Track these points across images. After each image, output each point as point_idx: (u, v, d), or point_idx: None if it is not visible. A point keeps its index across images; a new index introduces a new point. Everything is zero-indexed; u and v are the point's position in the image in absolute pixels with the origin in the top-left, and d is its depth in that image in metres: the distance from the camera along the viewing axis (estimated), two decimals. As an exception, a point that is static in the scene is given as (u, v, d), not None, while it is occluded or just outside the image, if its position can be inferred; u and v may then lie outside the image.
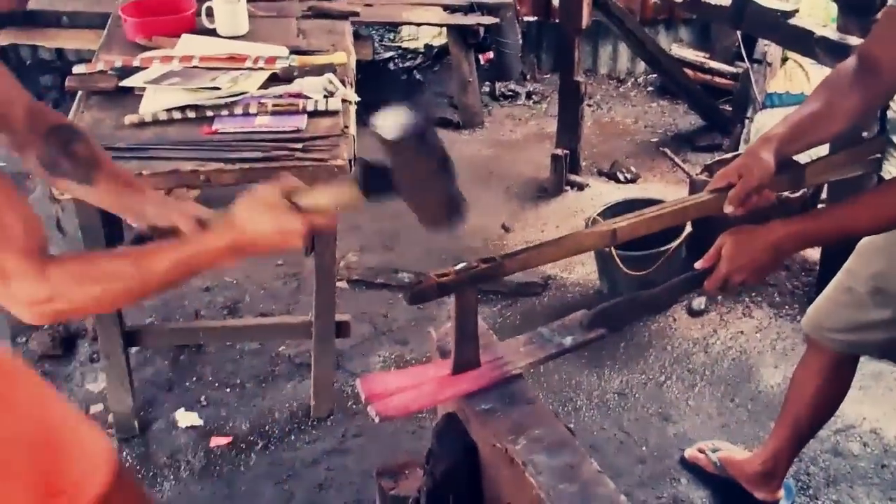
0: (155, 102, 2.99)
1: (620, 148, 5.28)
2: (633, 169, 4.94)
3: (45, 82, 5.78)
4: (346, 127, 2.95)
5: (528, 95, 5.85)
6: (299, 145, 2.83)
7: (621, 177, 4.87)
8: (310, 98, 3.00)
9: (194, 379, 3.60)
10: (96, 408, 3.45)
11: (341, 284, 4.03)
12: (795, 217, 2.09)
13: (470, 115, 5.48)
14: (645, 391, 3.49)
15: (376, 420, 1.83)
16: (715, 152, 5.07)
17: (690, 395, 3.47)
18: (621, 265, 3.65)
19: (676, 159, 4.24)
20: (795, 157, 2.17)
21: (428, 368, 1.96)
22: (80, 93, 3.12)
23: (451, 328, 2.00)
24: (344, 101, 3.04)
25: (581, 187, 4.73)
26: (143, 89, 3.05)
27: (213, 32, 3.49)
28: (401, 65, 6.30)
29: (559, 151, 4.65)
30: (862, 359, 2.71)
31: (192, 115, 2.96)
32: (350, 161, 2.83)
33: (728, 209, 2.04)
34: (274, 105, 2.97)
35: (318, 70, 3.15)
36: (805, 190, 3.82)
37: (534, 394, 1.83)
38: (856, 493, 3.04)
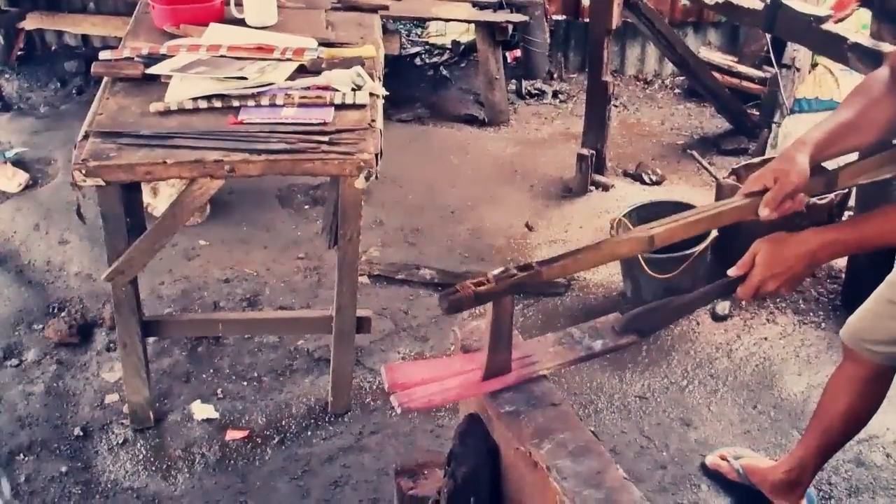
0: (181, 91, 2.97)
1: (646, 149, 5.23)
2: (658, 171, 4.89)
3: (70, 68, 5.78)
4: (374, 121, 2.92)
5: (555, 94, 5.81)
6: (326, 138, 2.80)
7: (646, 178, 4.82)
8: (337, 91, 2.98)
9: (211, 371, 3.58)
10: (112, 397, 3.44)
11: (362, 279, 4.00)
12: (830, 226, 2.06)
13: (496, 113, 5.44)
14: (667, 395, 3.44)
15: (398, 411, 1.80)
16: (741, 156, 5.01)
17: (712, 400, 3.42)
18: (646, 268, 3.60)
19: (703, 162, 4.19)
20: (823, 164, 2.14)
21: (454, 361, 1.92)
22: (105, 79, 3.10)
23: (475, 327, 1.97)
24: (372, 94, 3.02)
25: (606, 188, 4.69)
26: (170, 77, 3.03)
27: (241, 22, 3.47)
28: (427, 60, 6.26)
29: (585, 151, 4.61)
30: None
31: (218, 104, 2.94)
32: (377, 155, 2.80)
33: (764, 213, 2.00)
34: (301, 97, 2.94)
35: (347, 63, 3.12)
36: (832, 197, 3.77)
37: (559, 397, 1.79)
38: (878, 503, 2.99)
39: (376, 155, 2.79)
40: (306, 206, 4.64)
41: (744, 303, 3.85)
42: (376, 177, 2.82)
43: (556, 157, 5.06)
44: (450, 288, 1.74)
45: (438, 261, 4.18)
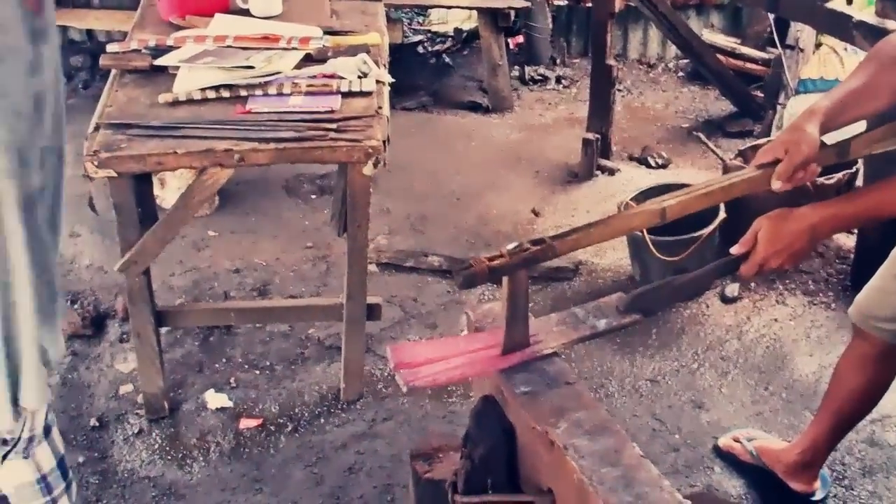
0: (189, 81, 2.97)
1: (651, 133, 5.23)
2: (664, 154, 4.89)
3: (76, 63, 5.78)
4: (380, 108, 2.92)
5: (558, 80, 5.81)
6: (333, 126, 2.81)
7: (652, 162, 4.83)
8: (343, 79, 2.98)
9: (224, 360, 3.60)
10: (126, 388, 3.45)
11: (370, 267, 4.01)
12: (829, 200, 2.06)
13: (499, 99, 5.45)
14: (677, 378, 3.46)
15: (404, 389, 1.81)
16: (746, 139, 5.01)
17: (724, 382, 3.43)
18: (654, 250, 3.61)
19: (710, 144, 4.19)
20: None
21: (459, 341, 1.93)
22: (113, 71, 3.11)
23: (489, 309, 1.99)
24: (378, 81, 3.02)
25: (612, 172, 4.69)
26: (177, 68, 3.03)
27: (246, 13, 3.47)
28: (430, 48, 6.26)
29: (590, 136, 4.61)
30: None
31: (226, 94, 2.94)
32: (384, 142, 2.81)
33: (776, 185, 2.01)
34: (308, 85, 2.95)
35: (352, 51, 3.12)
36: (840, 176, 3.77)
37: (573, 376, 1.81)
38: (892, 483, 3.00)
39: (384, 141, 2.80)
40: (313, 196, 4.65)
41: (752, 284, 3.86)
42: (384, 164, 2.83)
43: (560, 143, 5.06)
44: (464, 263, 1.75)
45: (446, 248, 4.19)
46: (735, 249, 2.05)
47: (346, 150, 2.77)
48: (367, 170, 2.82)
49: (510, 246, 1.78)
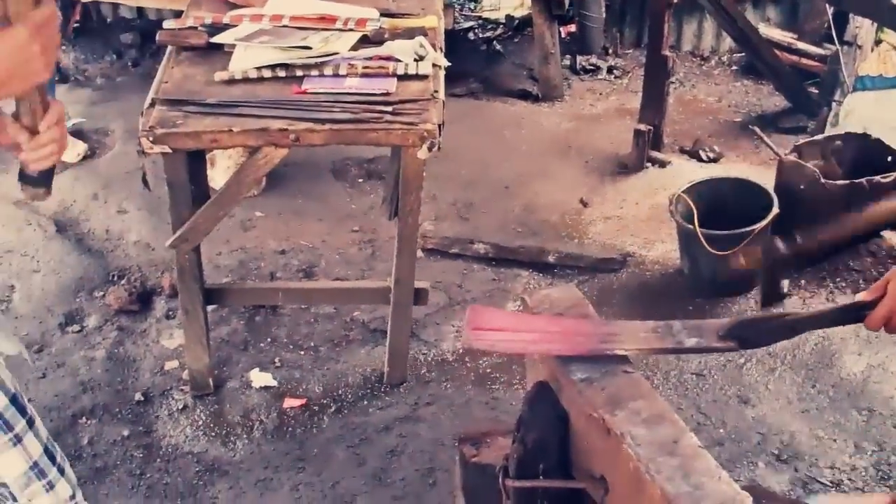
0: (245, 60, 2.98)
1: (703, 126, 5.17)
2: (715, 148, 4.83)
3: (126, 40, 5.81)
4: (436, 91, 2.91)
5: (610, 70, 5.75)
6: (389, 108, 2.80)
7: (704, 156, 4.77)
8: (400, 61, 2.97)
9: (269, 340, 3.61)
10: (171, 364, 3.48)
11: (417, 256, 4.01)
12: None
13: (550, 88, 5.41)
14: (723, 373, 3.42)
15: (462, 346, 1.80)
16: (800, 135, 4.92)
17: (770, 378, 3.39)
18: (705, 244, 3.57)
19: (765, 138, 4.12)
20: None
21: (540, 320, 1.89)
22: (169, 48, 3.12)
23: (545, 295, 1.95)
24: (434, 65, 3.00)
25: (663, 164, 4.64)
26: (234, 46, 3.04)
27: (302, -7, 3.47)
28: (481, 35, 6.23)
29: (642, 127, 4.56)
30: None
31: (281, 73, 2.95)
32: (439, 126, 2.79)
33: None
34: (364, 67, 2.94)
35: (408, 33, 3.11)
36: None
37: (632, 367, 1.78)
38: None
39: (439, 125, 2.79)
40: (360, 180, 4.65)
41: (803, 281, 3.80)
42: (439, 147, 2.82)
43: (610, 133, 5.02)
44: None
45: (492, 235, 4.17)
46: (862, 296, 1.82)
47: (400, 133, 2.76)
48: (422, 154, 2.81)
49: None
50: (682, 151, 4.87)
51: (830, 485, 2.96)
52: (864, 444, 3.12)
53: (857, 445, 3.11)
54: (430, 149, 2.78)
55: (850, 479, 2.99)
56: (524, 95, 5.46)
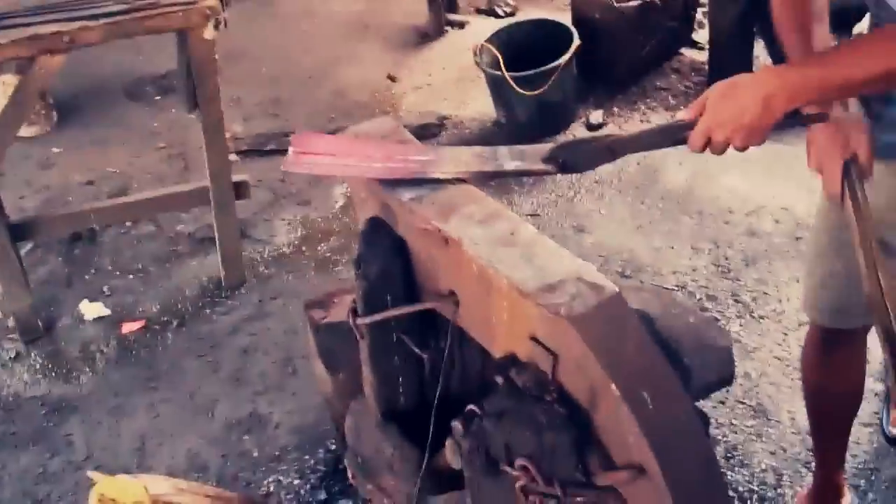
0: (-4, -29, 2.75)
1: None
2: (510, 2, 4.82)
3: None
4: (211, -33, 2.75)
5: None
6: (164, -8, 2.64)
7: (500, 11, 4.76)
8: (165, -57, 2.79)
9: (93, 271, 3.44)
10: (-8, 317, 3.28)
11: (231, 157, 3.85)
12: (795, 61, 1.68)
13: (334, -27, 5.26)
14: (557, 209, 3.46)
15: (282, 169, 1.74)
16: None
17: (601, 205, 3.45)
18: (515, 86, 3.56)
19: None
20: None
21: (365, 144, 1.81)
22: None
23: (366, 126, 1.88)
24: (203, -58, 2.84)
25: (462, 25, 4.61)
26: (-19, -42, 2.80)
27: None
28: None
29: (434, -10, 4.51)
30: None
31: (41, -22, 2.74)
32: (221, 1, 2.65)
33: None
34: (129, -45, 2.76)
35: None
36: None
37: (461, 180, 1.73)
38: (774, 268, 3.08)
39: (221, 0, 2.65)
40: (157, 98, 4.45)
41: (615, 108, 3.87)
42: (225, 24, 2.68)
43: (405, 6, 4.94)
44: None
45: (305, 125, 4.06)
46: (682, 114, 1.73)
47: (181, 14, 2.62)
48: (209, 33, 2.67)
49: None
50: (479, 11, 4.85)
51: (676, 288, 3.04)
52: (700, 244, 3.22)
53: (694, 247, 3.21)
54: (216, 27, 2.65)
55: (693, 280, 3.08)
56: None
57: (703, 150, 1.62)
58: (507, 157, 1.81)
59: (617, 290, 1.41)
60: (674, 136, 1.69)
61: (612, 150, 1.77)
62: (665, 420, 1.35)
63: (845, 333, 2.03)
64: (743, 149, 1.58)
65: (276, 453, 2.67)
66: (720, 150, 1.60)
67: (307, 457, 2.65)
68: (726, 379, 1.86)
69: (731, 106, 1.57)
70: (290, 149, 1.76)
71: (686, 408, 1.40)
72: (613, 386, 1.33)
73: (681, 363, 1.68)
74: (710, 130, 1.59)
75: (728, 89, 1.59)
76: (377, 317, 1.73)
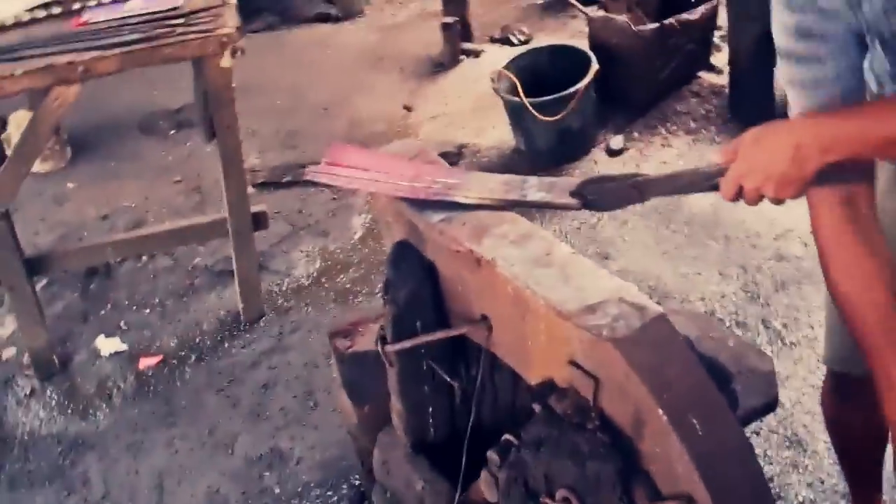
0: (12, 5, 2.74)
1: (507, 14, 5.11)
2: (524, 30, 4.79)
3: None
4: (228, -4, 2.73)
5: (403, -23, 5.63)
6: (180, 20, 2.61)
7: (514, 39, 4.72)
8: (179, -26, 2.77)
9: (109, 306, 3.39)
10: (9, 352, 3.23)
11: (248, 189, 3.83)
12: (833, 113, 1.46)
13: (348, 6, 5.26)
14: (580, 235, 3.40)
15: (305, 178, 1.71)
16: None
17: (625, 230, 3.39)
18: (534, 112, 3.51)
19: (577, 4, 4.10)
20: None
21: (396, 162, 1.77)
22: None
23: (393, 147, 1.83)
24: (220, -29, 2.81)
25: (477, 54, 4.58)
26: (-4, -8, 2.78)
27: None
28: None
29: (449, 19, 4.48)
30: None
31: (56, 11, 2.76)
32: (238, 28, 2.62)
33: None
34: (144, -15, 2.74)
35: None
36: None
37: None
38: (805, 292, 3.00)
39: (237, 28, 2.61)
40: (172, 132, 4.43)
41: (636, 134, 3.82)
42: (242, 52, 2.65)
43: (419, 37, 4.92)
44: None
45: (321, 157, 4.01)
46: (715, 157, 1.68)
47: (198, 42, 2.58)
48: (226, 62, 2.64)
49: None
50: (493, 40, 4.82)
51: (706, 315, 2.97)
52: (728, 269, 3.14)
53: (722, 273, 3.14)
54: (233, 54, 2.61)
55: (722, 307, 3.01)
56: (324, 18, 5.31)
57: (735, 199, 1.49)
58: (535, 188, 1.74)
59: (661, 310, 1.35)
60: (705, 181, 1.58)
61: (641, 191, 1.67)
62: (715, 447, 1.28)
63: (857, 379, 1.88)
64: (777, 202, 1.44)
65: (299, 490, 2.60)
66: (753, 201, 1.46)
67: (330, 493, 2.58)
68: (771, 404, 1.80)
69: (761, 153, 1.45)
70: (324, 159, 1.73)
71: (737, 434, 1.33)
72: (660, 411, 1.27)
73: (727, 387, 1.61)
74: (741, 178, 1.47)
75: (761, 135, 1.47)
76: (407, 343, 1.68)
